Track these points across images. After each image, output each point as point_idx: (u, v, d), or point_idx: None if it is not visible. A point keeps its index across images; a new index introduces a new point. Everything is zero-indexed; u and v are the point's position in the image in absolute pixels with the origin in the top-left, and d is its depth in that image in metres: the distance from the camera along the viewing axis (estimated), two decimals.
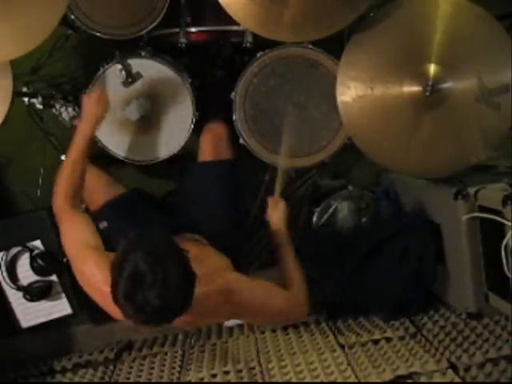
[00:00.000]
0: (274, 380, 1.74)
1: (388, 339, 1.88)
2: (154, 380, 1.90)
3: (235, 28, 1.78)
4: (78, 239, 1.42)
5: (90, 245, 1.39)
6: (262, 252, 2.22)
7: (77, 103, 1.99)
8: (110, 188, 1.79)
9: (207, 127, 1.86)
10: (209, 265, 1.45)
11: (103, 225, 1.66)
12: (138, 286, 1.13)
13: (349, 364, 1.73)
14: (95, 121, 1.64)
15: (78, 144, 1.58)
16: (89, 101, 1.65)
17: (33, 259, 1.98)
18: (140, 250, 1.14)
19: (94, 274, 1.35)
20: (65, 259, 2.00)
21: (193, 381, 1.83)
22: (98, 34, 1.75)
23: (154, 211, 1.80)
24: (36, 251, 1.99)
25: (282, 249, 1.62)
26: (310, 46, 1.82)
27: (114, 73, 1.81)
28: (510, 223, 1.52)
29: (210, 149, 1.81)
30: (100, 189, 1.78)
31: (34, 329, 2.08)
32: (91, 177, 1.70)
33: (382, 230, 2.03)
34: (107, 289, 1.19)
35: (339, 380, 1.66)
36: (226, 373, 1.83)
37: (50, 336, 2.25)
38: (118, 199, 1.77)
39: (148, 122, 1.86)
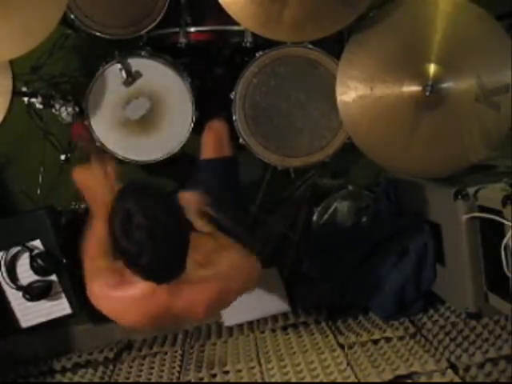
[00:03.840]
0: (273, 380, 1.74)
1: (388, 339, 1.88)
2: (153, 380, 1.90)
3: (235, 28, 1.78)
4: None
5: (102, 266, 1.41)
6: (262, 252, 2.21)
7: (76, 103, 1.99)
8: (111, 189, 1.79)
9: (209, 125, 1.85)
10: (205, 246, 1.48)
11: None
12: (135, 226, 1.15)
13: (348, 364, 1.74)
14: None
15: (98, 210, 1.54)
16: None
17: (32, 259, 1.98)
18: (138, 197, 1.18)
19: (99, 280, 1.36)
20: (64, 259, 2.00)
21: (192, 381, 1.84)
22: (97, 34, 1.75)
23: None
24: (36, 251, 1.99)
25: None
26: (310, 46, 1.82)
27: (113, 72, 1.81)
28: (509, 223, 1.52)
29: (211, 146, 1.81)
30: (99, 188, 1.78)
31: (34, 329, 2.07)
32: (91, 176, 1.72)
33: (381, 230, 2.03)
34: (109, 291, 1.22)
35: (339, 380, 1.66)
36: (226, 373, 1.83)
37: (49, 336, 2.25)
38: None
39: (148, 122, 1.86)
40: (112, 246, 1.21)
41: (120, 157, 1.89)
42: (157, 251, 1.17)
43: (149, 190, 1.23)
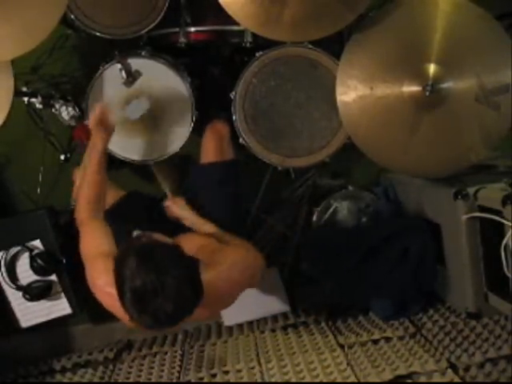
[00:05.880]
0: (273, 380, 1.74)
1: (387, 339, 1.88)
2: (153, 380, 1.90)
3: (235, 28, 1.78)
4: (93, 246, 1.46)
5: (104, 252, 1.42)
6: (262, 251, 2.22)
7: (76, 103, 1.99)
8: (109, 193, 1.81)
9: (210, 127, 1.86)
10: (209, 247, 1.51)
11: None
12: (144, 298, 1.16)
13: (348, 364, 1.73)
14: (104, 136, 1.63)
15: (93, 158, 1.60)
16: (93, 119, 1.64)
17: (32, 259, 1.98)
18: (135, 260, 1.18)
19: (103, 278, 1.37)
20: (64, 259, 2.00)
21: (192, 381, 1.83)
22: (97, 34, 1.75)
23: (151, 213, 1.82)
24: (36, 251, 1.99)
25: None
26: (310, 46, 1.81)
27: (113, 72, 1.81)
28: (509, 223, 1.52)
29: (212, 148, 1.81)
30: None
31: (34, 329, 2.08)
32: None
33: (381, 230, 2.03)
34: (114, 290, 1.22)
35: (339, 380, 1.66)
36: (226, 372, 1.83)
37: (49, 336, 2.26)
38: (116, 205, 1.81)
39: (148, 122, 1.86)
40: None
41: (120, 157, 1.89)
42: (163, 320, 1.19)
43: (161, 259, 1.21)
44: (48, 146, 2.14)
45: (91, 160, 1.60)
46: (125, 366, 2.03)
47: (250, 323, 2.19)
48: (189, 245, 1.37)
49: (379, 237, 2.00)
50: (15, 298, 2.03)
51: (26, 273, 2.01)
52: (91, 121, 1.64)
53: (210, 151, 1.80)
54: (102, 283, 1.36)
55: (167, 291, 1.15)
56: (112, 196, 1.81)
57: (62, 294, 2.04)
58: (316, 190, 2.28)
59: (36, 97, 1.92)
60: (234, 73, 1.86)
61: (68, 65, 2.16)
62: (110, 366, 2.06)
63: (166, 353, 2.08)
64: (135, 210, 1.83)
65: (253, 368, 1.84)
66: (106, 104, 1.68)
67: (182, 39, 1.79)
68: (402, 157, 1.81)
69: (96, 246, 1.45)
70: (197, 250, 1.44)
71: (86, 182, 1.58)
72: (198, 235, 1.64)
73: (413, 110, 1.75)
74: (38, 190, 2.17)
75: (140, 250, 1.22)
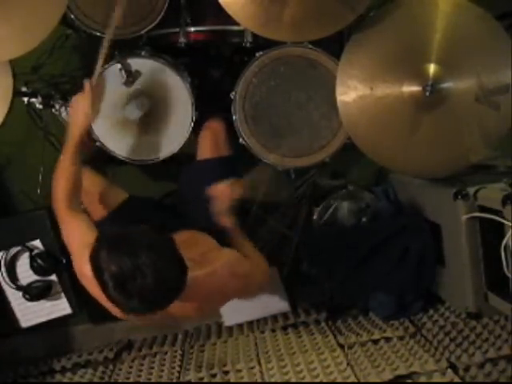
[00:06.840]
0: (273, 380, 1.74)
1: (387, 339, 1.88)
2: (153, 380, 1.90)
3: (235, 28, 1.78)
4: (77, 238, 1.47)
5: (89, 241, 1.41)
6: (262, 251, 2.21)
7: None
8: (109, 197, 1.81)
9: (205, 125, 1.87)
10: (203, 245, 1.50)
11: None
12: (125, 282, 1.16)
13: (348, 364, 1.73)
14: (79, 125, 1.62)
15: (69, 148, 1.60)
16: (72, 106, 1.64)
17: (32, 259, 1.98)
18: (106, 248, 1.19)
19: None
20: (64, 259, 2.00)
21: (192, 380, 1.84)
22: (97, 34, 1.75)
23: (152, 216, 1.82)
24: (36, 251, 1.99)
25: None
26: (310, 46, 1.81)
27: (113, 72, 1.81)
28: (509, 223, 1.52)
29: (208, 146, 1.83)
30: (99, 198, 1.79)
31: (34, 329, 2.08)
32: (91, 185, 1.74)
33: (381, 230, 2.03)
34: None
35: (339, 380, 1.66)
36: (226, 373, 1.83)
37: (49, 336, 2.25)
38: (116, 211, 1.81)
39: (147, 122, 1.86)
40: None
41: (120, 157, 1.89)
42: (149, 302, 1.19)
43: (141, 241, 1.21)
44: (48, 145, 2.14)
45: (67, 149, 1.59)
46: (125, 366, 2.03)
47: (250, 323, 2.19)
48: (184, 239, 1.38)
49: (379, 237, 2.00)
50: (15, 297, 2.03)
51: (26, 273, 2.01)
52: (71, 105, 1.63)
53: (206, 148, 1.83)
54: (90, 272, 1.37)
55: (145, 271, 1.15)
56: (113, 198, 1.81)
57: (62, 294, 2.05)
58: (316, 189, 2.27)
59: (36, 97, 1.92)
60: (234, 73, 1.86)
61: (68, 65, 2.15)
62: (110, 366, 2.06)
63: (166, 353, 2.08)
64: (138, 213, 1.83)
65: (253, 368, 1.83)
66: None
67: (182, 39, 1.79)
68: (401, 157, 1.81)
69: (81, 236, 1.45)
70: (192, 244, 1.44)
71: (63, 173, 1.57)
72: (199, 233, 1.63)
73: (413, 110, 1.75)
74: (38, 190, 2.17)
75: (109, 240, 1.23)
